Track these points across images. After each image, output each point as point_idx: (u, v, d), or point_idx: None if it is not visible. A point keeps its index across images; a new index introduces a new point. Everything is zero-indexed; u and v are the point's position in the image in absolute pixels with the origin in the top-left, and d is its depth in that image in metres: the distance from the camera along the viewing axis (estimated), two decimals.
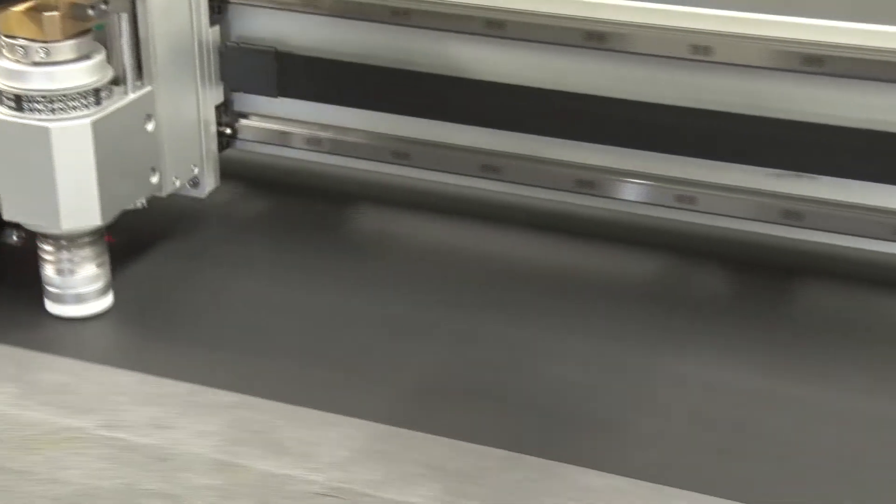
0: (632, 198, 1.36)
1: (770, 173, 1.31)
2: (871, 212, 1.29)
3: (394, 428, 1.09)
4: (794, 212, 1.30)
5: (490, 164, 1.40)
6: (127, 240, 1.42)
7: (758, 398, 1.19)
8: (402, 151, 1.43)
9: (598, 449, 1.11)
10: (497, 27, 1.32)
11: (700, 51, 1.26)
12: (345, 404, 1.14)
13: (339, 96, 1.40)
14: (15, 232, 1.31)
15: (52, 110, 1.18)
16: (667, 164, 1.35)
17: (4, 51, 1.19)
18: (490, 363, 1.23)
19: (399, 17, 1.35)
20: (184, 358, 1.24)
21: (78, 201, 1.21)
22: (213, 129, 1.42)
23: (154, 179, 1.31)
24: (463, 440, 1.08)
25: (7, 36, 1.18)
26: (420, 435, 1.09)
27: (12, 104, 1.19)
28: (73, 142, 1.19)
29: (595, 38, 1.29)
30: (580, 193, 1.38)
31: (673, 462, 1.10)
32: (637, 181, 1.36)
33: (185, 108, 1.35)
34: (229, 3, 1.40)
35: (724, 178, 1.33)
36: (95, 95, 1.20)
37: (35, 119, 1.18)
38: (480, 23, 1.33)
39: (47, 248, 1.27)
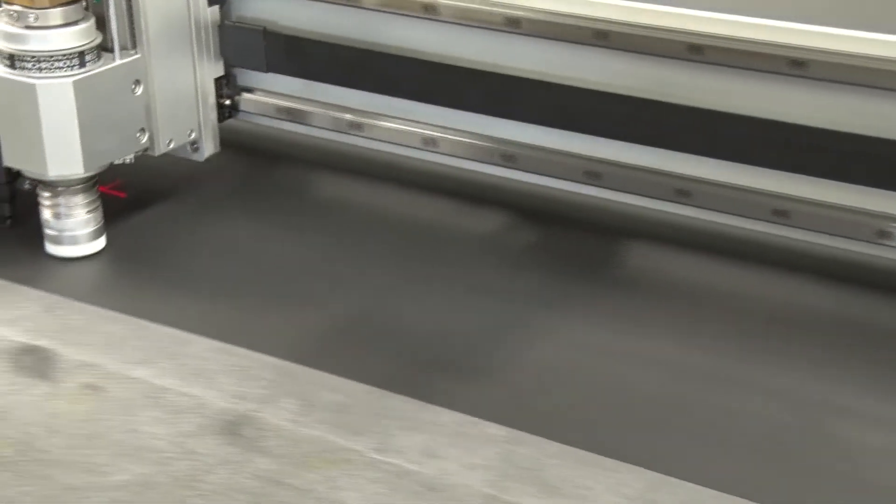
0: None
1: None
2: None
3: (669, 478, 1.07)
4: None
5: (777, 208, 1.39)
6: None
7: None
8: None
9: None
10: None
11: None
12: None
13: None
14: (28, 180, 1.48)
15: (40, 69, 1.35)
16: None
17: (4, 15, 1.36)
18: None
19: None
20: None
21: (63, 151, 1.38)
22: (212, 99, 1.56)
23: (143, 139, 1.47)
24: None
25: (6, 2, 1.35)
26: (697, 487, 1.06)
27: (7, 62, 1.36)
28: (56, 98, 1.35)
29: None
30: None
31: None
32: None
33: (179, 78, 1.51)
34: None
35: None
36: (80, 58, 1.36)
37: (24, 76, 1.35)
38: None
39: (45, 193, 1.44)
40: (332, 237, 1.51)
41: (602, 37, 1.38)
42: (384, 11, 1.49)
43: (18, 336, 1.27)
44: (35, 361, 1.23)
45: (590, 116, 1.43)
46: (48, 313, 1.30)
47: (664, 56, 1.36)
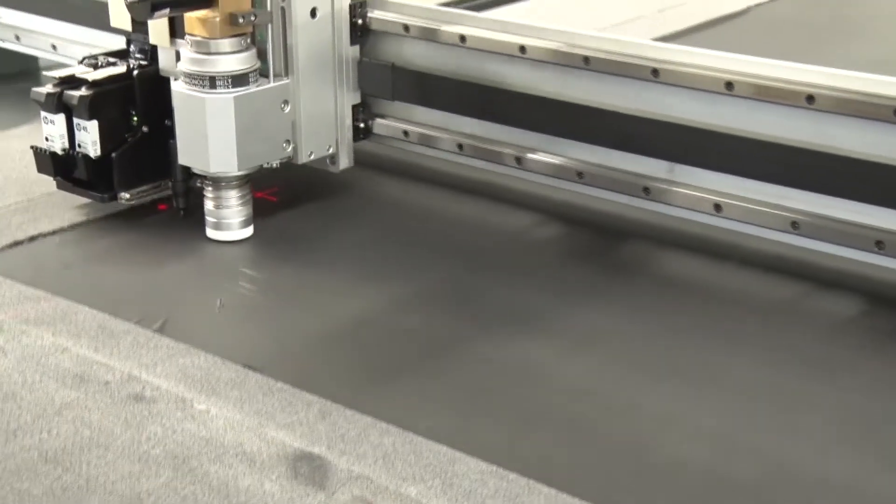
0: None
1: None
2: None
3: None
4: None
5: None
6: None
7: None
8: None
9: None
10: None
11: None
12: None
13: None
14: (198, 179, 1.85)
15: (209, 86, 1.72)
16: None
17: (186, 42, 1.73)
18: None
19: None
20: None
21: (222, 152, 1.74)
22: (349, 122, 1.91)
23: (288, 149, 1.82)
24: None
25: (188, 33, 1.72)
26: None
27: (187, 80, 1.73)
28: (220, 110, 1.72)
29: None
30: None
31: None
32: None
33: (322, 102, 1.86)
34: (368, 30, 1.89)
35: None
36: (241, 79, 1.72)
37: (197, 91, 1.72)
38: None
39: (209, 187, 1.81)
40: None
41: None
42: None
43: (295, 442, 1.32)
44: (310, 470, 1.27)
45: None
46: (323, 420, 1.36)
47: None
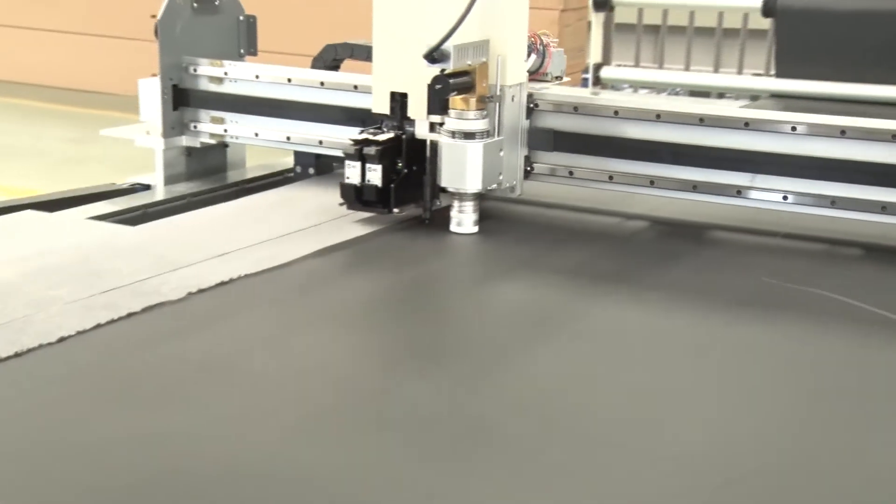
0: None
1: None
2: None
3: None
4: None
5: None
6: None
7: None
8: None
9: None
10: None
11: None
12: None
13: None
14: (439, 202, 3.07)
15: (467, 139, 2.96)
16: None
17: (452, 114, 2.97)
18: None
19: None
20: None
21: (473, 178, 2.97)
22: (522, 164, 3.18)
23: (500, 178, 3.07)
24: None
25: (452, 108, 2.97)
26: None
27: (451, 135, 2.97)
28: (474, 153, 2.96)
29: None
30: None
31: None
32: None
33: (512, 152, 3.12)
34: (535, 109, 3.18)
35: None
36: (483, 135, 2.97)
37: (460, 141, 2.97)
38: None
39: (455, 200, 3.03)
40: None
41: None
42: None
43: None
44: None
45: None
46: None
47: None
